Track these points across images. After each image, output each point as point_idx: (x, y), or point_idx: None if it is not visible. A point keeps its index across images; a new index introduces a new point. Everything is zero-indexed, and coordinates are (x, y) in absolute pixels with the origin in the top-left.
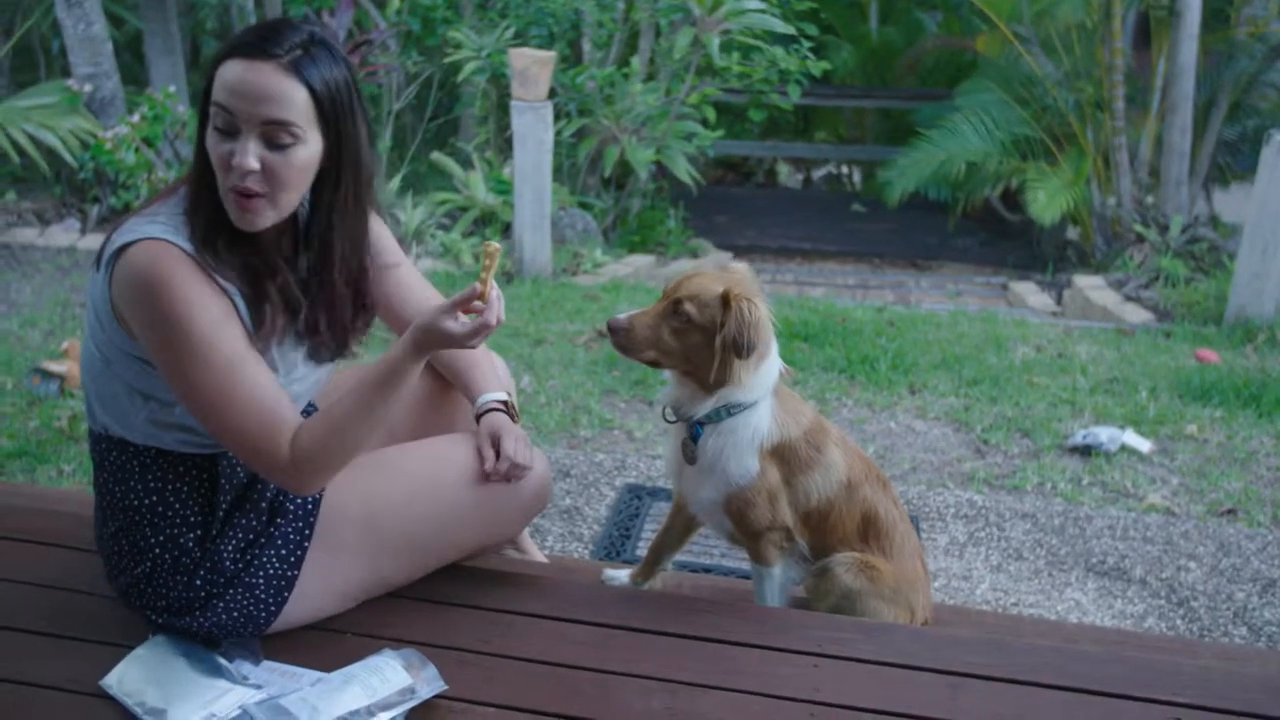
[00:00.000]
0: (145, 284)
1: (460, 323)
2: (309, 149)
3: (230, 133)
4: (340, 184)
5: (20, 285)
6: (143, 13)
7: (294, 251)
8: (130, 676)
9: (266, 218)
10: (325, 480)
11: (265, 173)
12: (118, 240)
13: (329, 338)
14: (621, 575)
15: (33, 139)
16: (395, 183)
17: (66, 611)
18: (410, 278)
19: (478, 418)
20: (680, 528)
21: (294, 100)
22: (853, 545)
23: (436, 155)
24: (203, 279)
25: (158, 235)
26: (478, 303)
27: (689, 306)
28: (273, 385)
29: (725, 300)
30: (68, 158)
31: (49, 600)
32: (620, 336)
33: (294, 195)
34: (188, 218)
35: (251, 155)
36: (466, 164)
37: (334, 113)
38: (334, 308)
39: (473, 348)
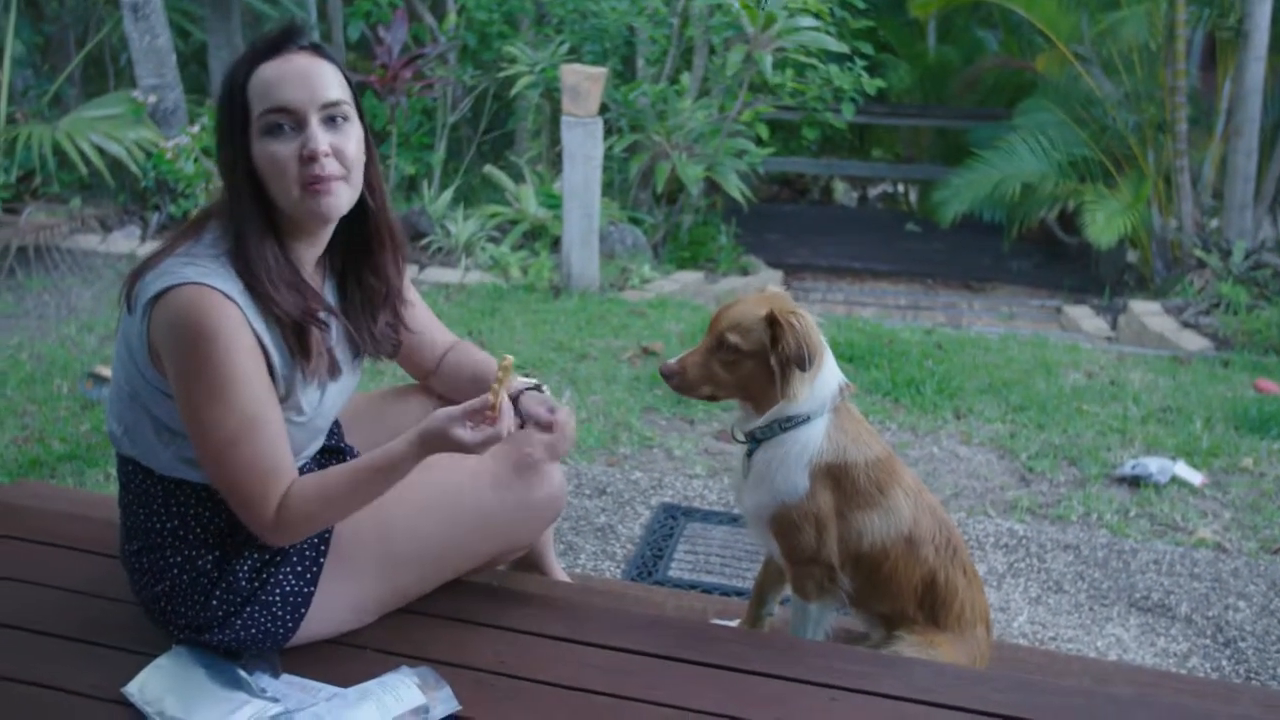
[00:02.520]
0: (185, 330)
1: (470, 431)
2: (357, 126)
3: (292, 129)
4: (372, 160)
5: (80, 290)
6: (208, 25)
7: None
8: (151, 685)
9: (343, 199)
10: (298, 539)
11: (335, 154)
12: (156, 284)
13: (370, 336)
14: (730, 624)
15: (98, 148)
16: (448, 195)
17: (94, 618)
18: (418, 303)
19: (514, 400)
20: (778, 565)
21: (335, 79)
22: (908, 608)
23: (489, 168)
24: (242, 328)
25: (196, 280)
26: (489, 412)
27: (733, 337)
28: (278, 447)
29: (771, 320)
30: (131, 167)
31: (77, 606)
32: (675, 380)
33: (358, 176)
34: (231, 258)
35: (323, 139)
36: (519, 177)
37: (354, 90)
38: (376, 300)
39: (478, 453)
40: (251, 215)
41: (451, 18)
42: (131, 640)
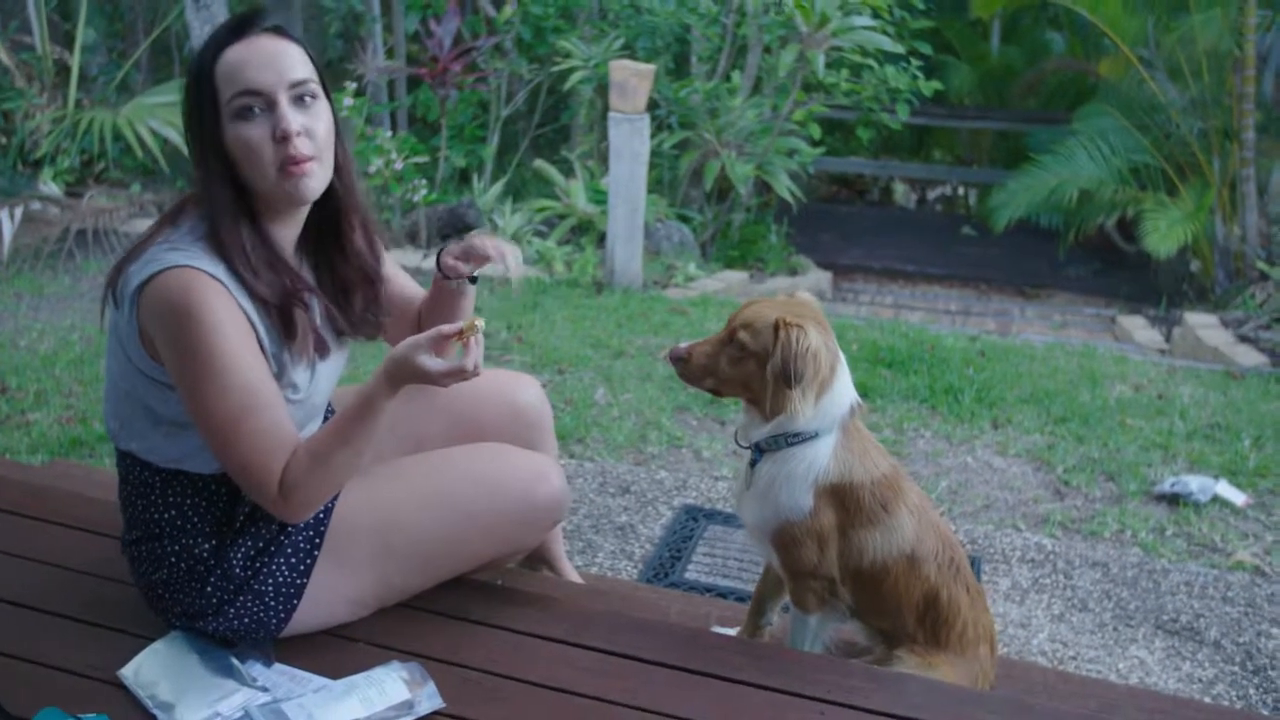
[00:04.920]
0: (174, 311)
1: (434, 360)
2: (325, 106)
3: (263, 111)
4: (340, 141)
5: None
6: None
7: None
8: (145, 669)
9: (318, 180)
10: (312, 509)
11: (307, 134)
12: (141, 273)
13: (347, 319)
14: (730, 632)
15: (156, 134)
16: (498, 188)
17: (97, 599)
18: (397, 276)
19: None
20: (778, 574)
21: (300, 58)
22: (908, 624)
23: (539, 163)
24: (231, 307)
25: (183, 263)
26: (459, 344)
27: (744, 335)
28: (280, 418)
29: (776, 328)
30: (186, 153)
31: (83, 587)
32: (680, 366)
33: (330, 156)
34: (210, 241)
35: (295, 119)
36: (569, 172)
37: (320, 69)
38: (349, 284)
39: (444, 386)
40: (224, 199)
41: (507, 10)
42: (132, 622)
